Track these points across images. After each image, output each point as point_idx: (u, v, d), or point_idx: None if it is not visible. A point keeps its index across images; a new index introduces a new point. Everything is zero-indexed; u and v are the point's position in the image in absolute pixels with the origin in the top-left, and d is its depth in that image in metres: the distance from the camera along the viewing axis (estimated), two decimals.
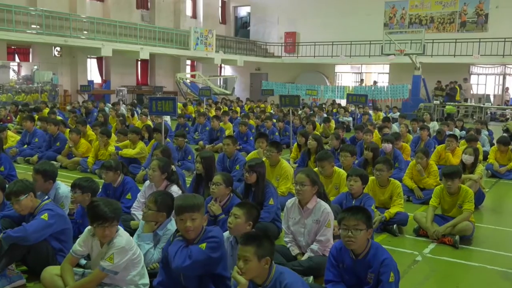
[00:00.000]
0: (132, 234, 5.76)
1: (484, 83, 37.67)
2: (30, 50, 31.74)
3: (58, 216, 5.98)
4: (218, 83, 41.79)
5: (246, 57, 42.20)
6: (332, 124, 18.99)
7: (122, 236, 5.21)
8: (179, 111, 20.96)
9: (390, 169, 8.49)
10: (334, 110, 26.86)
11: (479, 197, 9.90)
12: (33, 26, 27.87)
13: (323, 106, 28.30)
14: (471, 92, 35.03)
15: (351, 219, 4.88)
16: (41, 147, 14.03)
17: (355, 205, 7.16)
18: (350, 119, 23.65)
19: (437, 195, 8.18)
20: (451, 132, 15.79)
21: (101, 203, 5.16)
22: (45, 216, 5.84)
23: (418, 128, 15.35)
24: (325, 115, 22.14)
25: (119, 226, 5.28)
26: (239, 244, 4.49)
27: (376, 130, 15.53)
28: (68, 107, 22.79)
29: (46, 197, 6.31)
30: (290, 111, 17.95)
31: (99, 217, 5.06)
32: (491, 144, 15.93)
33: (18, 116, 20.18)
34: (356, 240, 4.88)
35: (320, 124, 19.13)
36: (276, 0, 44.91)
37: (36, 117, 17.03)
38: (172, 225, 5.84)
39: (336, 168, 8.99)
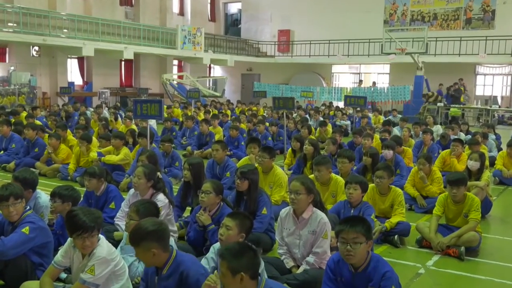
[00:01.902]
0: (116, 246, 5.74)
1: (491, 84, 37.65)
2: (7, 49, 31.63)
3: (40, 229, 5.92)
4: (207, 85, 41.80)
5: (237, 56, 42.23)
6: (329, 128, 19.01)
7: (103, 246, 5.16)
8: (165, 115, 20.96)
9: (391, 176, 8.47)
10: (331, 113, 26.92)
11: (486, 206, 9.89)
12: (9, 24, 27.81)
13: (319, 109, 28.19)
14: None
15: (350, 232, 4.85)
16: (18, 153, 13.99)
17: (354, 215, 7.16)
18: (348, 122, 23.70)
19: (441, 204, 8.17)
20: (456, 136, 15.77)
21: (80, 212, 5.11)
22: (26, 229, 5.77)
23: (421, 132, 15.35)
24: (321, 119, 22.17)
25: (100, 236, 5.26)
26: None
27: (376, 135, 15.54)
28: (43, 113, 22.69)
29: (28, 207, 6.26)
30: (284, 114, 17.92)
31: (78, 227, 5.02)
32: (499, 149, 15.93)
33: None
34: (356, 254, 4.85)
35: (316, 129, 19.14)
36: None
37: (13, 121, 16.99)
38: None
39: (333, 175, 8.97)
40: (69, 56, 34.55)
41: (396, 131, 18.04)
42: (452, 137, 15.39)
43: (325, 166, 8.74)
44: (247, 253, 4.33)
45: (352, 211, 7.50)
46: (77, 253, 5.27)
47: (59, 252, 5.40)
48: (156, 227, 4.85)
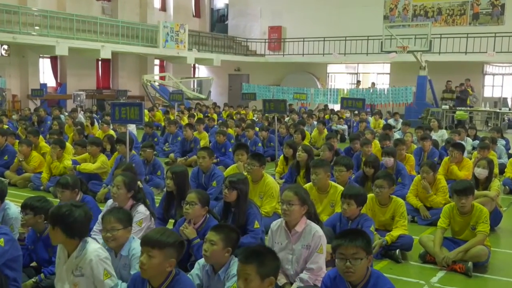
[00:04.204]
0: None
1: (501, 84, 37.64)
2: None
3: (12, 241, 5.92)
4: (192, 86, 41.73)
5: (224, 55, 42.16)
6: (324, 132, 18.96)
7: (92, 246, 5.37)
8: (146, 119, 20.92)
9: (391, 185, 8.46)
10: (327, 117, 26.87)
11: (495, 217, 9.86)
12: None
13: (313, 112, 27.94)
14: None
15: (349, 247, 4.82)
16: None
17: (352, 228, 7.12)
18: (345, 127, 23.66)
19: (447, 215, 8.16)
20: (458, 141, 15.65)
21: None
22: (1, 241, 5.76)
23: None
24: (315, 123, 22.08)
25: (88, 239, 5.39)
26: (239, 261, 4.52)
27: (375, 140, 15.53)
28: (15, 116, 22.65)
29: None
30: (275, 118, 17.91)
31: None
32: (509, 156, 15.91)
33: None
34: (356, 271, 4.83)
35: (311, 133, 19.12)
36: None
37: None
38: (137, 243, 5.84)
39: (332, 182, 8.97)
40: (41, 55, 34.39)
41: (397, 135, 18.04)
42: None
43: (323, 169, 8.71)
44: (270, 255, 4.51)
45: (349, 224, 7.42)
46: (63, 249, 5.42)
47: None
48: (182, 244, 5.02)
